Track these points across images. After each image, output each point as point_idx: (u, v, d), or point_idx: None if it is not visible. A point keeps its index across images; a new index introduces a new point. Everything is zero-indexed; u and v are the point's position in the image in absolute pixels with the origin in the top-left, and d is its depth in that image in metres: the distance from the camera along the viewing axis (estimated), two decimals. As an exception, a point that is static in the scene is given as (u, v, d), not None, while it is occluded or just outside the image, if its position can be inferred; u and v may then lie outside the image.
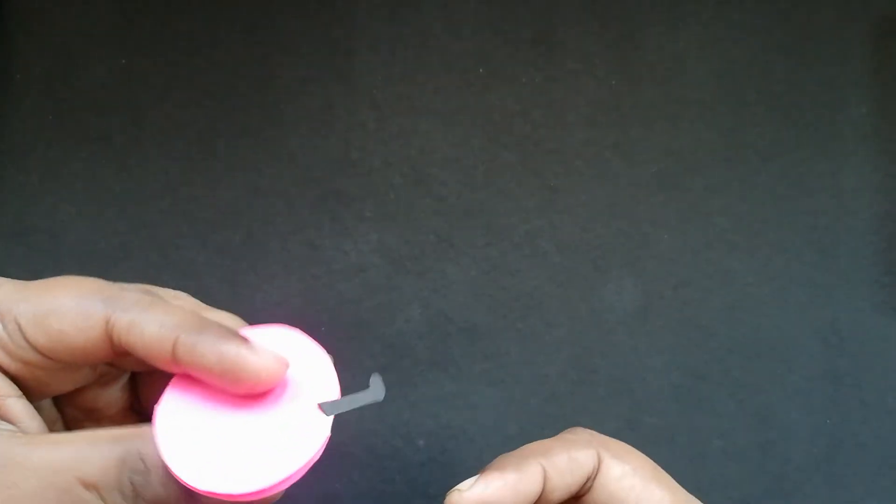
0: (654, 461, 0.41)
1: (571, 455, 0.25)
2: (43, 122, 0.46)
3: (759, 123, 0.47)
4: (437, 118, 0.47)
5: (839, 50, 0.48)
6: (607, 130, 0.47)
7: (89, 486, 0.21)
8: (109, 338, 0.22)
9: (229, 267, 0.45)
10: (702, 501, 0.26)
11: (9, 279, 0.23)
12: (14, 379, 0.22)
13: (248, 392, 0.22)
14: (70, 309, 0.22)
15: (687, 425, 0.45)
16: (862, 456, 0.44)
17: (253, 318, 0.45)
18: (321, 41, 0.47)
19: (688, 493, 0.26)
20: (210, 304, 0.26)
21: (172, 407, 0.23)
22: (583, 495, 0.26)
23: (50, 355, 0.22)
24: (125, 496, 0.21)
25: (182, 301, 0.25)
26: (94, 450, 0.21)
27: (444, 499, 0.42)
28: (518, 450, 0.26)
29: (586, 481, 0.26)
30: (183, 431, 0.22)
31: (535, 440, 0.43)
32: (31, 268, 0.45)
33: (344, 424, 0.44)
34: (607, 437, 0.26)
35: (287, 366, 0.22)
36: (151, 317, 0.22)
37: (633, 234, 0.46)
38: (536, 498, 0.25)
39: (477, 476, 0.24)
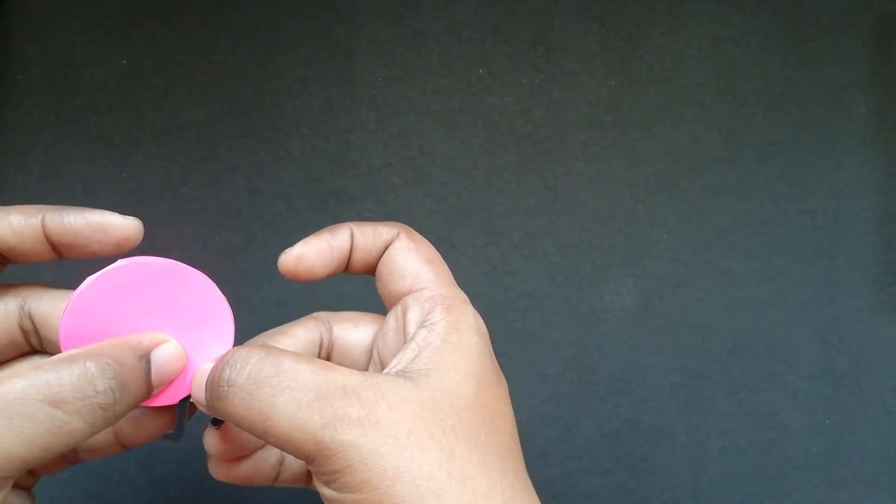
0: (654, 461, 0.41)
1: (377, 228, 0.30)
2: (43, 122, 0.46)
3: (759, 123, 0.47)
4: (437, 118, 0.47)
5: (839, 50, 0.48)
6: (607, 130, 0.47)
7: (57, 403, 0.22)
8: None
9: (229, 267, 0.45)
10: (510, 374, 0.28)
11: None
12: None
13: (119, 247, 0.25)
14: None
15: (687, 425, 0.45)
16: (861, 456, 0.44)
17: (253, 319, 0.45)
18: (321, 41, 0.47)
19: (454, 283, 0.29)
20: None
21: (77, 320, 0.25)
22: (377, 263, 0.30)
23: None
24: (93, 409, 0.22)
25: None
26: (51, 371, 0.22)
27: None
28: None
29: (384, 249, 0.29)
30: (89, 329, 0.24)
31: (536, 440, 0.43)
32: (31, 268, 0.45)
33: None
34: (412, 229, 0.30)
35: (140, 229, 0.26)
36: (13, 211, 0.25)
37: (633, 234, 0.46)
38: (346, 254, 0.29)
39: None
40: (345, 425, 0.22)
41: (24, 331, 0.27)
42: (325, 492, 0.23)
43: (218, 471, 0.28)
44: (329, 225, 0.46)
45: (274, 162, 0.46)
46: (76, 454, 0.28)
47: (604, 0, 0.48)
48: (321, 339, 0.30)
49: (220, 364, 0.23)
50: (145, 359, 0.24)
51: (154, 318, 0.25)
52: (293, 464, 0.29)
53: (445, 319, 0.27)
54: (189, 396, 0.26)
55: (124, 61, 0.47)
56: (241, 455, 0.28)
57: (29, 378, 0.22)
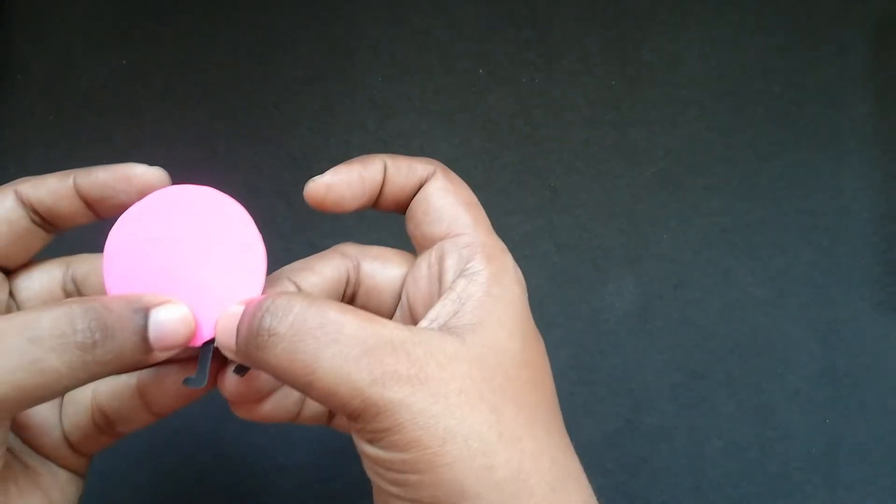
0: (654, 461, 0.41)
1: (412, 163, 0.28)
2: (43, 122, 0.46)
3: (759, 123, 0.47)
4: (437, 118, 0.47)
5: (839, 50, 0.48)
6: (607, 130, 0.47)
7: (33, 339, 0.21)
8: (22, 205, 0.26)
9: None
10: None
11: None
12: None
13: (139, 193, 0.26)
14: None
15: (687, 425, 0.45)
16: (862, 456, 0.44)
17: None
18: (321, 41, 0.47)
19: (492, 230, 0.27)
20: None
21: (116, 249, 0.25)
22: (410, 201, 0.28)
23: None
24: (69, 349, 0.22)
25: None
26: (36, 310, 0.22)
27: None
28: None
29: (419, 187, 0.28)
30: (128, 272, 0.25)
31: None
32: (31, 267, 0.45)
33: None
34: (449, 169, 0.28)
35: (164, 177, 0.26)
36: (49, 176, 0.26)
37: (633, 234, 0.46)
38: (377, 187, 0.27)
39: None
40: (394, 383, 0.21)
41: (67, 294, 0.28)
42: (368, 449, 0.22)
43: (239, 410, 0.27)
44: (328, 225, 0.46)
45: (274, 162, 0.46)
46: (111, 424, 0.27)
47: (604, 0, 0.48)
48: (348, 277, 0.28)
49: (258, 310, 0.22)
50: (141, 313, 0.23)
51: (187, 247, 0.25)
52: (315, 403, 0.28)
53: (487, 269, 0.25)
54: (213, 340, 0.25)
55: (124, 61, 0.47)
56: (259, 398, 0.27)
57: (13, 318, 0.22)
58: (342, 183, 0.27)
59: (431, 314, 0.25)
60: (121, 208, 0.26)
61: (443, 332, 0.24)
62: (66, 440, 0.27)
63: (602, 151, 0.47)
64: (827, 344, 0.45)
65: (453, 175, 0.28)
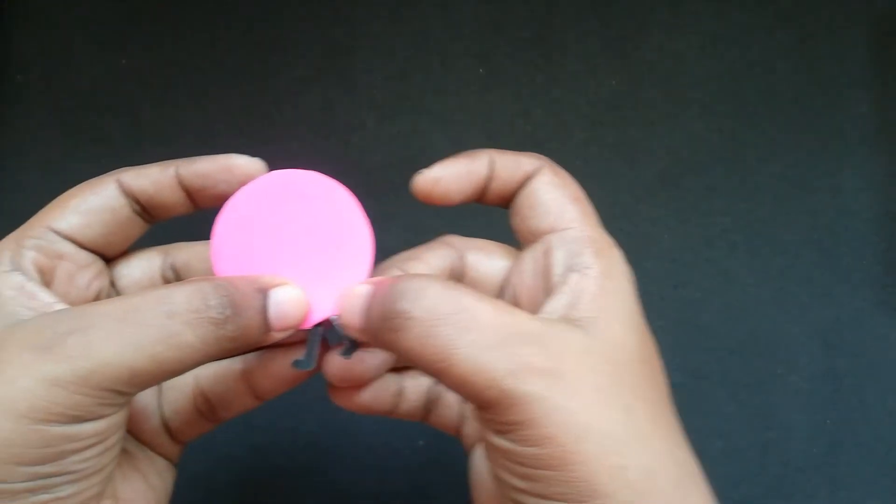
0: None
1: (518, 158, 0.28)
2: (43, 123, 0.46)
3: (759, 123, 0.47)
4: (437, 118, 0.47)
5: (839, 50, 0.48)
6: (607, 130, 0.47)
7: (169, 313, 0.22)
8: (124, 193, 0.26)
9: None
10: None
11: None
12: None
13: (240, 183, 0.26)
14: (84, 190, 0.27)
15: (687, 425, 0.44)
16: (862, 456, 0.44)
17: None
18: (321, 41, 0.47)
19: (599, 225, 0.27)
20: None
21: (225, 232, 0.26)
22: (515, 195, 0.28)
23: (87, 235, 0.26)
24: (204, 323, 0.22)
25: None
26: (168, 287, 0.23)
27: (444, 498, 0.42)
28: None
29: (525, 181, 0.28)
30: (237, 255, 0.25)
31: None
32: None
33: (343, 424, 0.44)
34: (556, 164, 0.28)
35: (262, 167, 0.27)
36: (151, 166, 0.27)
37: (634, 234, 0.46)
38: (483, 182, 0.28)
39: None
40: (531, 375, 0.21)
41: (166, 281, 0.28)
42: (498, 441, 0.22)
43: (339, 397, 0.28)
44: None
45: (274, 162, 0.46)
46: (213, 409, 0.28)
47: (604, 0, 0.48)
48: (453, 267, 0.28)
49: (392, 292, 0.22)
50: (262, 293, 0.24)
51: (294, 230, 0.26)
52: (412, 397, 0.29)
53: (598, 264, 0.25)
54: (320, 324, 0.25)
55: (124, 61, 0.47)
56: (360, 385, 0.27)
57: (147, 293, 0.22)
58: (450, 176, 0.27)
59: (548, 308, 0.24)
60: (221, 199, 0.26)
61: (571, 325, 0.23)
62: (166, 426, 0.27)
63: (602, 151, 0.47)
64: (827, 344, 0.45)
65: (560, 170, 0.28)
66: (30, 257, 0.25)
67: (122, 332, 0.21)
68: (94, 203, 0.26)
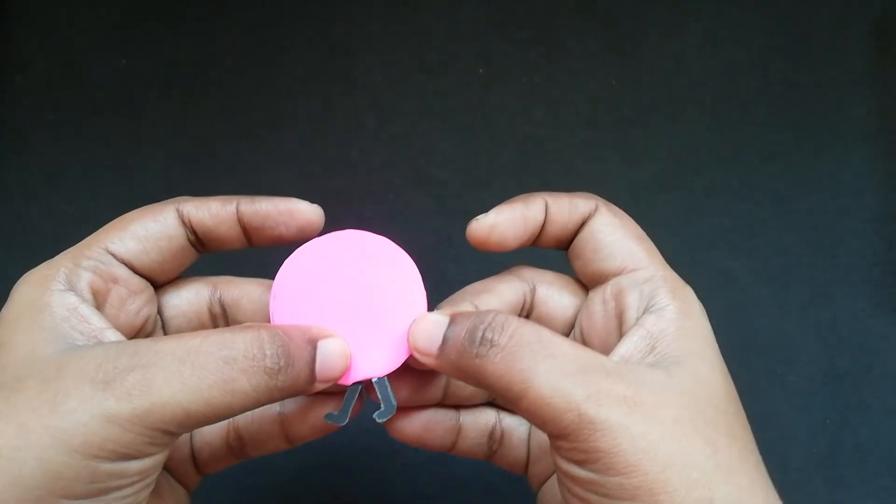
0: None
1: (573, 199, 0.28)
2: (43, 122, 0.46)
3: (759, 123, 0.47)
4: (437, 118, 0.47)
5: (839, 50, 0.48)
6: (607, 130, 0.47)
7: (227, 359, 0.22)
8: (182, 223, 0.27)
9: (231, 267, 0.45)
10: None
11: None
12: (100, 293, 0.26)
13: (302, 231, 0.27)
14: (143, 216, 0.27)
15: (687, 425, 0.45)
16: (862, 456, 0.44)
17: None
18: (321, 41, 0.47)
19: (665, 262, 0.27)
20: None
21: (286, 281, 0.26)
22: (572, 241, 0.28)
23: (143, 261, 0.26)
24: (259, 372, 0.22)
25: None
26: (228, 331, 0.23)
27: (443, 498, 0.42)
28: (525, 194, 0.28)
29: (582, 223, 0.28)
30: (293, 305, 0.26)
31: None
32: (31, 268, 0.44)
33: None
34: (610, 203, 0.29)
35: (322, 215, 0.28)
36: (212, 200, 0.27)
37: (633, 234, 0.46)
38: (539, 226, 0.28)
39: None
40: (611, 401, 0.21)
41: (212, 315, 0.29)
42: (577, 472, 0.22)
43: (393, 428, 0.28)
44: (328, 225, 0.46)
45: (274, 162, 0.46)
46: (244, 447, 0.28)
47: (604, 0, 0.48)
48: (524, 301, 0.29)
49: (476, 322, 0.23)
50: (312, 344, 0.24)
51: (350, 290, 0.26)
52: (472, 434, 0.29)
53: (674, 304, 0.25)
54: (360, 383, 0.26)
55: (124, 61, 0.47)
56: (417, 404, 0.28)
57: (207, 336, 0.23)
58: (505, 223, 0.27)
59: (621, 351, 0.25)
60: (277, 240, 0.28)
61: (647, 367, 0.24)
62: (193, 457, 0.28)
63: (602, 151, 0.47)
64: (827, 344, 0.45)
65: (616, 208, 0.28)
66: (86, 278, 0.25)
67: (181, 373, 0.22)
68: (154, 230, 0.27)
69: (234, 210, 0.27)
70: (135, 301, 0.27)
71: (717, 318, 0.46)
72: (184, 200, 0.28)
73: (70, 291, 0.25)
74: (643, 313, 0.25)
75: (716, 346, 0.25)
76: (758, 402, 0.45)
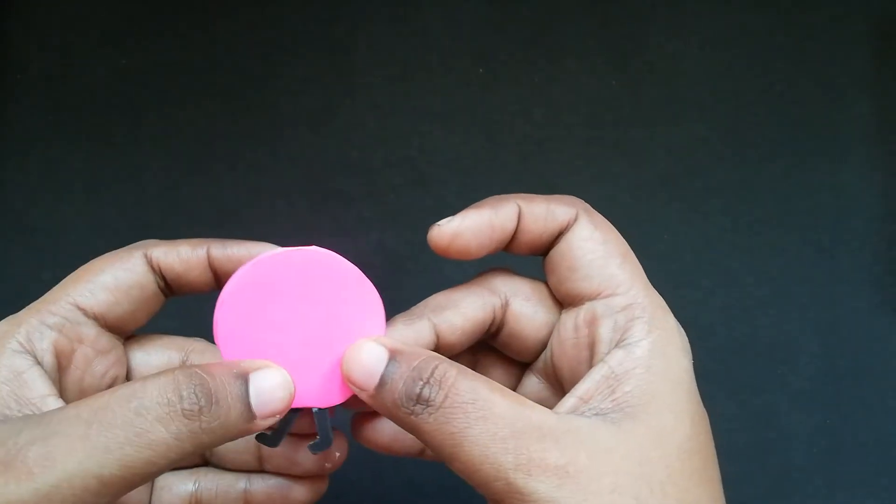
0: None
1: (550, 206, 0.26)
2: (43, 122, 0.46)
3: (759, 123, 0.47)
4: (437, 118, 0.47)
5: (839, 50, 0.48)
6: (607, 130, 0.47)
7: (138, 410, 0.21)
8: (151, 269, 0.26)
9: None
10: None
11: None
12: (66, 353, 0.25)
13: None
14: (112, 264, 0.26)
15: (687, 425, 0.45)
16: (862, 456, 0.44)
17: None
18: (321, 41, 0.47)
19: (649, 284, 0.25)
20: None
21: (227, 318, 0.24)
22: (549, 249, 0.26)
23: (114, 314, 0.25)
24: (177, 417, 0.21)
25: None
26: (140, 381, 0.21)
27: (442, 497, 0.42)
28: (499, 195, 0.26)
29: (558, 235, 0.26)
30: (240, 342, 0.24)
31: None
32: (31, 268, 0.45)
33: (341, 424, 0.44)
34: (593, 209, 0.26)
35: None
36: (182, 244, 0.26)
37: (634, 234, 0.46)
38: (509, 236, 0.26)
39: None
40: (540, 472, 0.20)
41: None
42: None
43: (361, 436, 0.27)
44: (328, 225, 0.46)
45: (274, 162, 0.46)
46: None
47: (604, 0, 0.48)
48: (493, 317, 0.26)
49: (412, 377, 0.22)
50: (242, 378, 0.22)
51: (299, 310, 0.25)
52: None
53: (647, 339, 0.23)
54: (302, 410, 0.25)
55: (124, 61, 0.47)
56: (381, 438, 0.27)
57: (115, 391, 0.21)
58: (469, 231, 0.25)
59: (580, 390, 0.23)
60: None
61: (596, 420, 0.22)
62: None
63: (602, 151, 0.47)
64: (827, 344, 0.45)
65: (598, 218, 0.26)
66: (49, 338, 0.24)
67: (87, 437, 0.20)
68: (124, 279, 0.25)
69: (205, 255, 0.26)
70: (101, 362, 0.26)
71: (717, 318, 0.46)
72: (151, 245, 0.26)
73: (24, 353, 0.23)
74: (613, 347, 0.24)
75: (690, 386, 0.24)
76: (758, 402, 0.45)
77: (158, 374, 0.21)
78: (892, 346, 0.45)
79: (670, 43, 0.48)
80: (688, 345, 0.25)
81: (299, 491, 0.27)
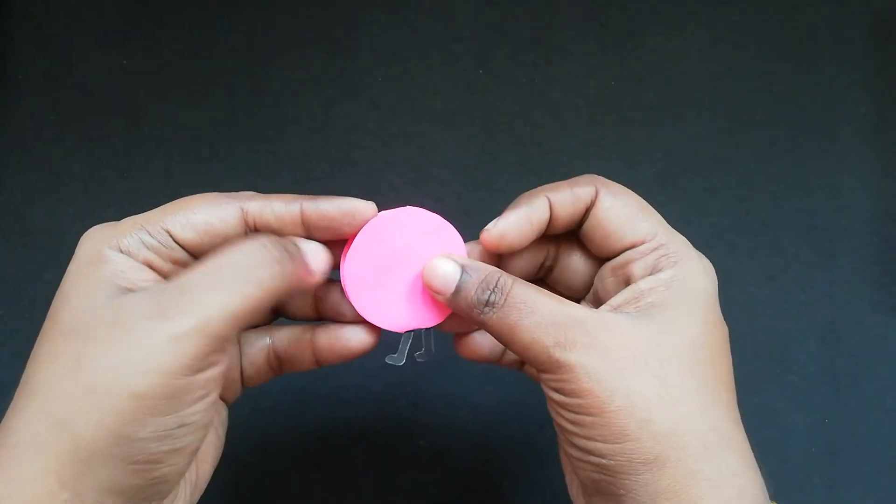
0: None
1: (574, 190, 0.31)
2: (43, 122, 0.46)
3: (759, 123, 0.47)
4: (437, 118, 0.47)
5: (839, 50, 0.48)
6: (607, 130, 0.47)
7: (248, 262, 0.26)
8: (245, 222, 0.29)
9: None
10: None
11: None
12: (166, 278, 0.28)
13: (359, 225, 0.30)
14: (209, 208, 0.29)
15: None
16: (861, 456, 0.44)
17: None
18: (321, 41, 0.47)
19: (670, 228, 0.30)
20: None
21: (352, 267, 0.31)
22: (582, 224, 0.31)
23: (198, 249, 0.29)
24: (267, 260, 0.27)
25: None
26: (241, 241, 0.27)
27: (443, 497, 0.42)
28: (529, 191, 0.31)
29: (585, 212, 0.31)
30: (364, 284, 0.31)
31: (536, 440, 0.43)
32: (31, 268, 0.45)
33: (343, 424, 0.44)
34: (608, 180, 0.31)
35: (376, 209, 0.31)
36: (275, 199, 0.30)
37: (633, 234, 0.46)
38: (545, 225, 0.31)
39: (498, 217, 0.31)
40: (573, 346, 0.27)
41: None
42: (553, 395, 0.28)
43: (462, 348, 0.33)
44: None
45: (274, 162, 0.46)
46: (281, 366, 0.32)
47: (604, 0, 0.48)
48: (543, 264, 0.33)
49: (488, 285, 0.29)
50: (291, 242, 0.28)
51: (404, 253, 0.31)
52: (511, 354, 0.34)
53: (672, 268, 0.29)
54: (411, 332, 0.32)
55: (124, 61, 0.47)
56: (464, 330, 0.33)
57: (222, 252, 0.26)
58: (512, 230, 0.30)
59: (612, 303, 0.29)
60: (337, 236, 0.30)
61: (619, 315, 0.28)
62: (241, 375, 0.32)
63: (602, 151, 0.47)
64: (826, 344, 0.45)
65: (615, 187, 0.31)
66: (144, 255, 0.28)
67: (214, 286, 0.25)
68: (216, 227, 0.29)
69: (299, 210, 0.30)
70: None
71: (717, 318, 0.46)
72: (248, 197, 0.30)
73: (126, 255, 0.28)
74: (643, 278, 0.29)
75: (708, 300, 0.29)
76: (757, 402, 0.45)
77: (248, 237, 0.27)
78: (890, 345, 0.45)
79: (670, 43, 0.48)
80: (711, 270, 0.30)
81: (353, 333, 0.32)
